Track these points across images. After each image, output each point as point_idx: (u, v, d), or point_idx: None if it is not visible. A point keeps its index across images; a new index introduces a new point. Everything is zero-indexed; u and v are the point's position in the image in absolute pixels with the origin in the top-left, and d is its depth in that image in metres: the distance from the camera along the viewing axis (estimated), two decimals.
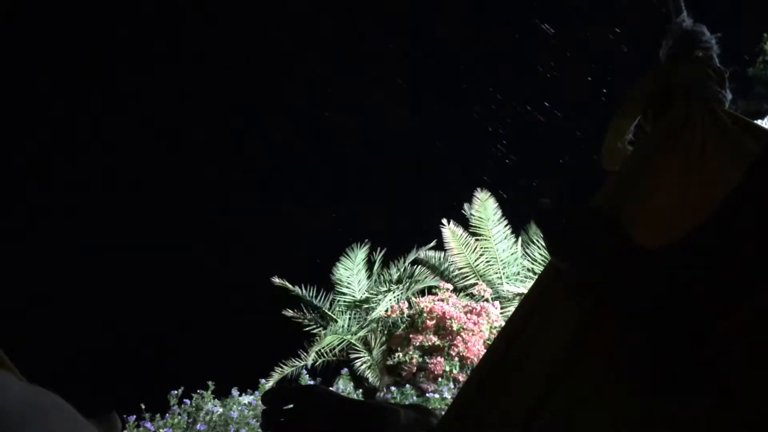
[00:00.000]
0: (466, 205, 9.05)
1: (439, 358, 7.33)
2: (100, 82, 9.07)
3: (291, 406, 1.00)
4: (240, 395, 7.05)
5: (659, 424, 0.76)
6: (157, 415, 6.46)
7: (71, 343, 7.90)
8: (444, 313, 7.66)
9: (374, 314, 8.28)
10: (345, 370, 7.79)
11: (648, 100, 1.35)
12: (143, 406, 6.38)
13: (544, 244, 0.97)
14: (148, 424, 6.30)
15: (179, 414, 6.54)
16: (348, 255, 8.82)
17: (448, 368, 7.28)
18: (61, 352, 7.53)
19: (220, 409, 6.63)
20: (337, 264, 8.76)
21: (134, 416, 6.30)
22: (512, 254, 8.83)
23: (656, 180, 1.07)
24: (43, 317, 7.80)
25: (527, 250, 8.82)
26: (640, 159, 1.17)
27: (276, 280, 8.51)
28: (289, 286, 8.54)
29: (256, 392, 7.30)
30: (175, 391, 6.64)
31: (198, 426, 6.37)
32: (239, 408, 6.65)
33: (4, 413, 0.48)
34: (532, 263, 8.70)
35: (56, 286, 8.51)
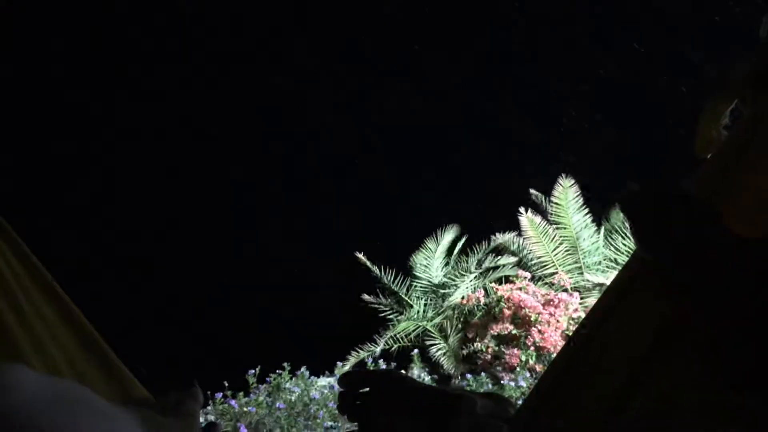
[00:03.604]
0: (540, 193, 8.85)
1: (515, 350, 7.26)
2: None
3: (367, 390, 1.01)
4: (318, 377, 7.22)
5: (750, 425, 0.72)
6: (240, 393, 6.71)
7: (160, 322, 8.25)
8: (521, 302, 7.57)
9: (450, 301, 8.27)
10: (419, 356, 7.82)
11: (746, 82, 1.27)
12: (226, 384, 6.63)
13: (630, 233, 0.93)
14: (233, 402, 6.55)
15: (261, 393, 6.76)
16: (428, 241, 8.83)
17: (524, 358, 7.21)
18: (149, 330, 7.88)
19: (299, 390, 6.80)
20: (417, 249, 8.79)
21: (220, 393, 6.56)
22: (593, 243, 8.58)
23: (755, 167, 1.00)
24: (127, 294, 8.15)
25: (610, 239, 8.55)
26: (738, 145, 1.10)
27: (359, 255, 8.63)
28: (369, 264, 8.64)
29: (332, 375, 7.45)
30: (253, 371, 6.88)
31: (277, 404, 6.56)
32: (319, 389, 6.81)
33: (17, 405, 0.48)
34: (615, 253, 8.42)
35: (138, 264, 8.86)
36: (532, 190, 8.99)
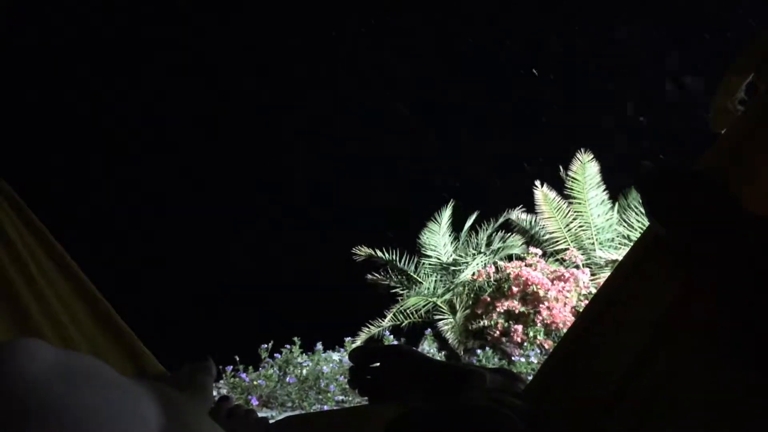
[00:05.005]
0: (562, 167, 8.76)
1: (517, 326, 7.27)
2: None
3: (378, 364, 1.02)
4: (325, 352, 7.28)
5: (760, 399, 0.72)
6: (250, 367, 6.80)
7: (174, 299, 8.32)
8: (529, 279, 7.55)
9: (460, 278, 8.27)
10: (429, 332, 7.85)
11: (763, 57, 1.25)
12: (237, 358, 6.72)
13: (643, 208, 0.92)
14: (243, 375, 6.64)
15: (272, 366, 6.86)
16: (435, 218, 8.80)
17: (531, 334, 7.22)
18: (163, 307, 7.96)
19: (310, 363, 6.88)
20: (425, 227, 8.77)
21: (231, 367, 6.66)
22: (607, 220, 8.52)
23: None
24: (140, 271, 8.24)
25: (624, 216, 8.49)
26: (753, 120, 1.08)
27: (358, 249, 8.62)
28: (372, 252, 8.63)
29: (342, 350, 7.51)
30: (266, 345, 6.97)
31: (288, 379, 6.65)
32: (330, 364, 6.88)
33: (33, 380, 0.48)
34: (629, 230, 8.37)
35: (158, 242, 8.94)
36: (560, 167, 8.85)
